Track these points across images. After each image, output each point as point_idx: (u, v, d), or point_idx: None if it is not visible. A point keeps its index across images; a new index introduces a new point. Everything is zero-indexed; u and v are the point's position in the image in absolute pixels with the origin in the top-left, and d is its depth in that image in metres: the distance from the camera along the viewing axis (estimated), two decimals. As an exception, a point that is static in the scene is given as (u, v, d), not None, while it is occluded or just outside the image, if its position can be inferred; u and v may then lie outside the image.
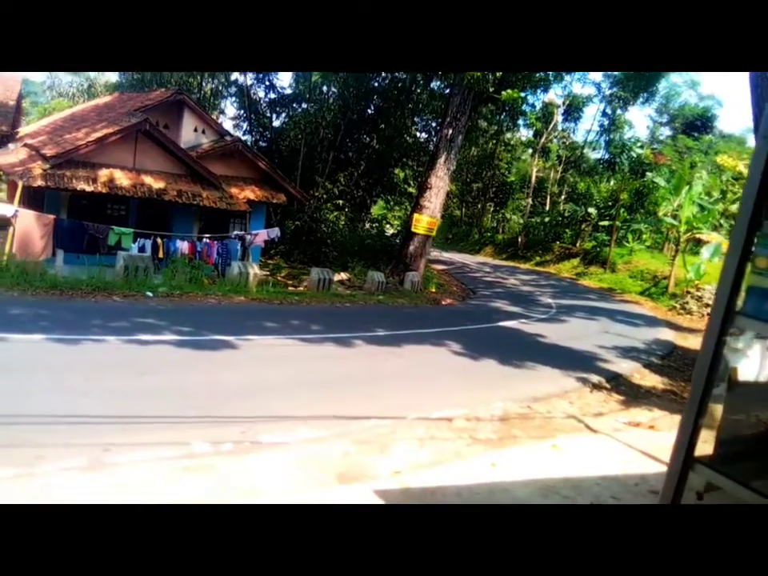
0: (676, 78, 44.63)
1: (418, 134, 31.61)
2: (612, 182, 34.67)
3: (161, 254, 14.88)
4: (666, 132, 47.50)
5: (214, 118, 25.49)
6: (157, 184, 15.95)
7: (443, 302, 18.54)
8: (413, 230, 20.23)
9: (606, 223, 31.01)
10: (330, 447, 5.47)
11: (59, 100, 37.24)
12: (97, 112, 19.70)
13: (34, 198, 14.90)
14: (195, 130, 19.08)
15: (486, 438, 6.30)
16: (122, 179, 15.42)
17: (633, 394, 9.34)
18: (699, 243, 25.22)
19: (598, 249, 31.89)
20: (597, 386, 9.38)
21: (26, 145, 16.57)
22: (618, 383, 9.87)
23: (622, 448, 6.49)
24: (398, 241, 24.11)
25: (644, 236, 32.34)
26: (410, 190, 29.31)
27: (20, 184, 13.88)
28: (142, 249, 14.63)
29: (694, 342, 15.08)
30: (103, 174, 15.19)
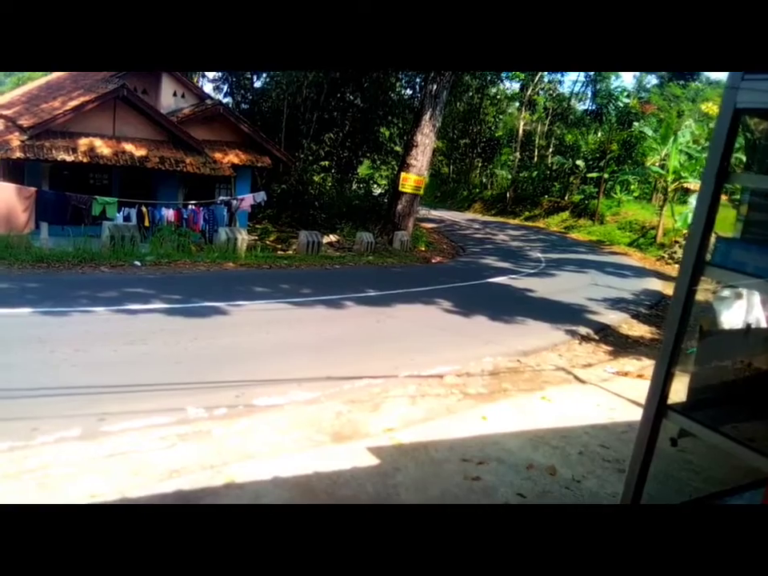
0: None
1: (403, 91, 31.08)
2: (599, 134, 34.38)
3: (146, 223, 14.75)
4: (652, 80, 46.97)
5: (194, 81, 24.93)
6: (138, 151, 15.71)
7: (433, 261, 18.56)
8: (400, 189, 20.08)
9: (594, 175, 30.88)
10: (324, 408, 5.56)
11: (33, 67, 36.19)
12: (72, 79, 19.20)
13: (13, 171, 14.64)
14: (174, 95, 18.70)
15: (476, 393, 6.41)
16: (103, 148, 15.16)
17: (621, 344, 9.48)
18: (687, 192, 25.17)
19: (587, 201, 31.83)
20: (585, 338, 9.51)
21: (1, 116, 16.19)
22: (606, 334, 10.02)
23: (611, 397, 6.62)
24: (385, 200, 23.93)
25: (632, 187, 32.24)
26: (396, 148, 28.91)
27: (-2, 156, 13.64)
28: (127, 218, 14.49)
29: (681, 291, 15.22)
30: (83, 143, 14.92)
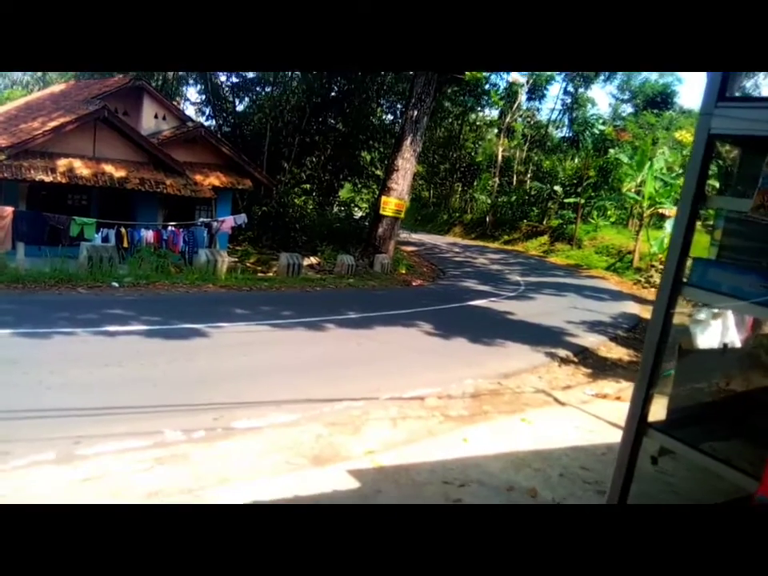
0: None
1: (384, 116, 31.45)
2: (576, 160, 35.00)
3: (125, 244, 14.60)
4: (627, 109, 48.02)
5: (177, 103, 24.98)
6: (118, 172, 15.63)
7: (413, 284, 18.62)
8: (381, 212, 20.20)
9: (571, 200, 31.37)
10: (304, 430, 5.51)
11: (12, 89, 36.04)
12: (53, 100, 19.14)
13: (-10, 190, 14.48)
14: (156, 117, 18.70)
15: (457, 415, 6.40)
16: (82, 168, 15.07)
17: (600, 367, 9.56)
18: (662, 218, 25.67)
19: (564, 226, 32.26)
20: (565, 360, 9.57)
21: (-21, 135, 16.04)
22: (585, 357, 10.10)
23: (590, 419, 6.66)
24: (366, 224, 24.04)
25: (609, 212, 32.83)
26: (377, 172, 29.15)
27: (-25, 176, 13.48)
28: (105, 239, 14.34)
29: (658, 315, 15.45)
30: (62, 163, 14.83)
